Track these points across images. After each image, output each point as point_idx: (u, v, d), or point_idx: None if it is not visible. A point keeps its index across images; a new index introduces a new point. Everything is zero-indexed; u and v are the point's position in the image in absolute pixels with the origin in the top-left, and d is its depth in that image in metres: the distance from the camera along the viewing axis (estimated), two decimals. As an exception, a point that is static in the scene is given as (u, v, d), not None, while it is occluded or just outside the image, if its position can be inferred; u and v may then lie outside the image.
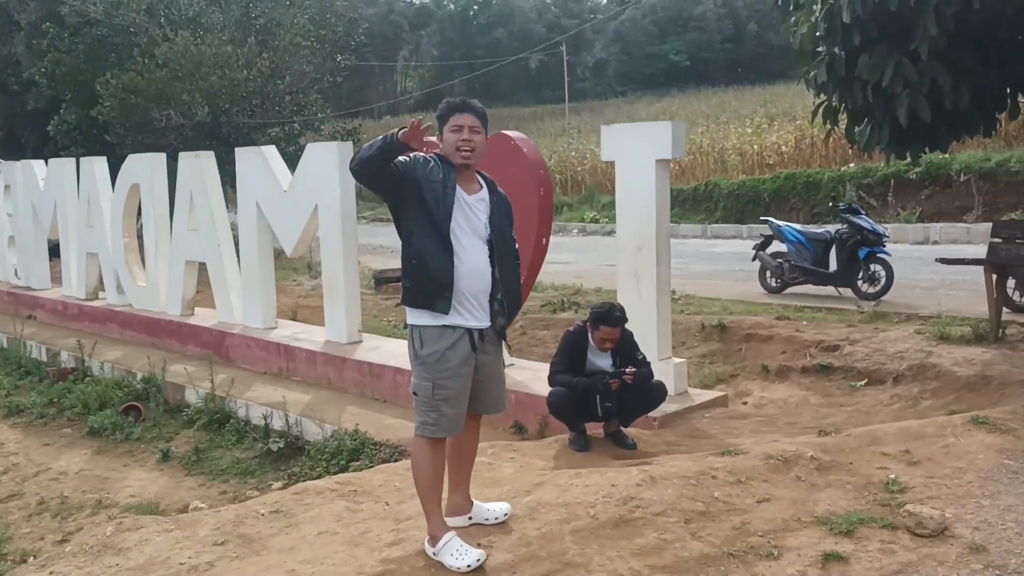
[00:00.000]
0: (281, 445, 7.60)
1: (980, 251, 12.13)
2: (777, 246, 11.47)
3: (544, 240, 7.76)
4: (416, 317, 3.54)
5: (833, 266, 10.75)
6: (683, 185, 23.63)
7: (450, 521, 3.74)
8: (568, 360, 5.39)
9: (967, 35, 6.10)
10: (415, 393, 3.55)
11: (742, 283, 12.28)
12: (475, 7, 74.80)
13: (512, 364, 7.85)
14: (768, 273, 11.33)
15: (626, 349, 5.42)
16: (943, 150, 7.41)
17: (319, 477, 6.70)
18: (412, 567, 3.59)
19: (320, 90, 22.63)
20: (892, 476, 4.23)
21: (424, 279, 3.48)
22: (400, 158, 3.48)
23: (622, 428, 5.58)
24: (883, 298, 10.03)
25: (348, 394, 8.50)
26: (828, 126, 7.84)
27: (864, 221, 10.47)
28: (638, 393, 5.35)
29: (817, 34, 6.84)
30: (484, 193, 3.67)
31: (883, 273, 10.21)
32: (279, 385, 8.91)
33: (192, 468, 7.76)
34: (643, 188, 6.69)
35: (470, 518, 3.85)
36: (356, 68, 28.80)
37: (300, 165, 9.35)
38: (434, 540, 3.56)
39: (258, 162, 9.83)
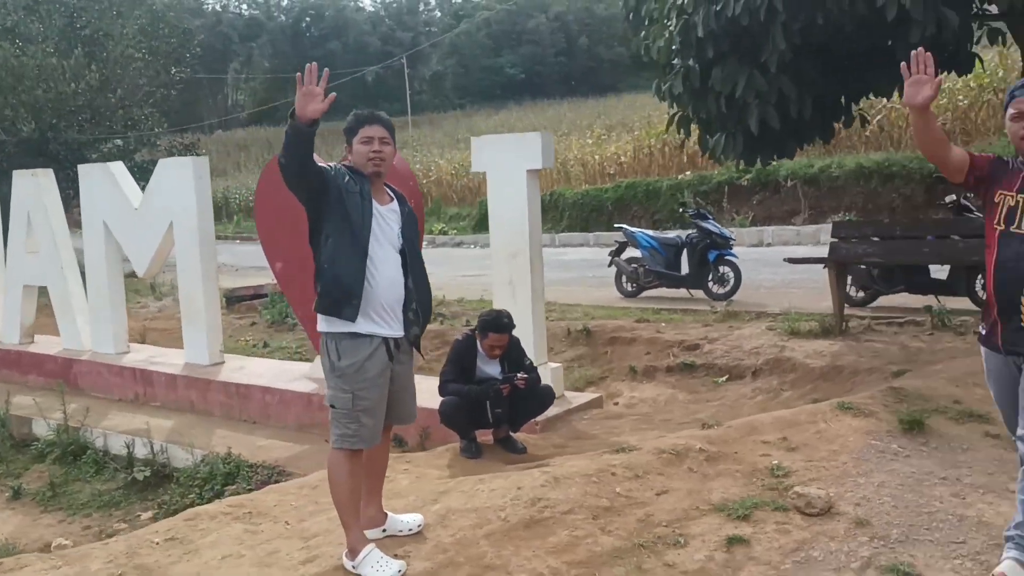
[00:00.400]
0: (147, 474, 7.26)
1: (809, 251, 13.05)
2: (631, 252, 11.89)
3: (416, 251, 7.78)
4: (330, 325, 3.50)
5: (685, 269, 11.25)
6: (529, 195, 24.05)
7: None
8: (458, 369, 5.44)
9: (810, 49, 6.57)
10: (332, 405, 3.50)
11: (597, 289, 12.64)
12: (307, 19, 73.49)
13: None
14: (624, 278, 11.73)
15: (514, 355, 5.53)
16: (790, 156, 7.94)
17: (192, 504, 6.47)
18: (330, 583, 3.54)
19: (155, 103, 21.73)
20: (775, 462, 4.50)
21: (334, 285, 3.45)
22: (323, 166, 3.46)
23: (512, 433, 5.68)
24: (733, 298, 10.58)
25: (214, 417, 8.21)
26: (682, 135, 8.24)
27: (712, 226, 11.02)
28: (528, 398, 5.47)
29: (673, 47, 7.17)
30: (395, 205, 3.69)
31: (732, 275, 10.78)
32: (138, 412, 8.51)
33: (48, 504, 7.29)
34: (515, 197, 6.83)
35: (384, 530, 3.83)
36: (186, 82, 27.84)
37: (153, 181, 8.97)
38: (353, 553, 3.52)
39: (104, 179, 9.37)
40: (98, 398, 9.16)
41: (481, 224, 23.66)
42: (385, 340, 3.53)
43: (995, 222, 3.18)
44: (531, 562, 3.60)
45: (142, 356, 9.45)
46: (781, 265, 12.35)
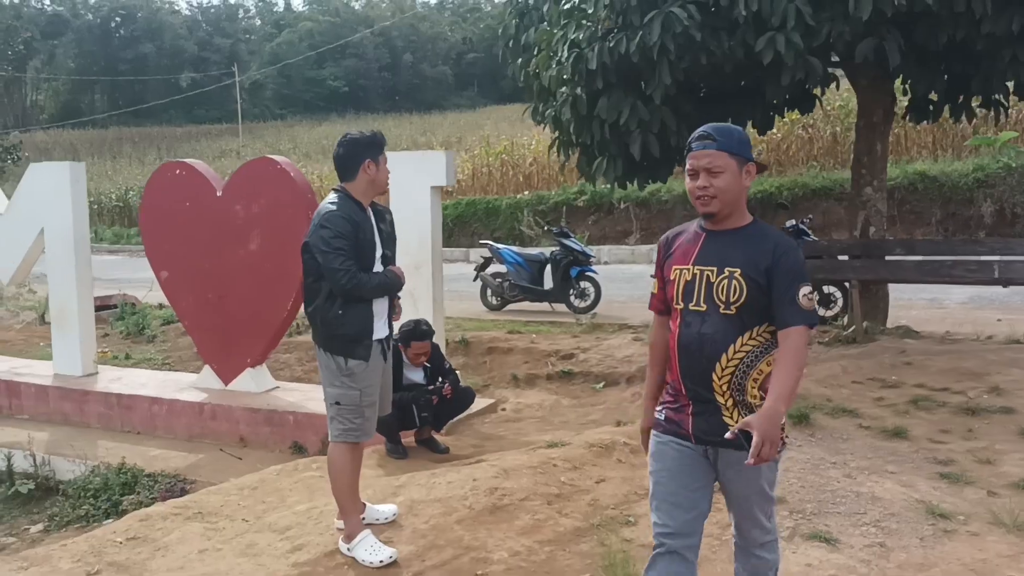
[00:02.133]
0: (31, 486, 7.04)
1: (644, 269, 14.00)
2: (496, 267, 12.39)
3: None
4: None
5: (548, 284, 11.86)
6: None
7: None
8: (387, 378, 5.71)
9: (690, 85, 7.28)
10: (338, 403, 3.76)
11: (458, 302, 13.03)
12: (117, 19, 70.08)
13: (278, 387, 7.93)
14: (489, 292, 12.22)
15: (435, 360, 5.87)
16: (663, 180, 8.64)
17: (87, 516, 6.40)
18: (327, 567, 3.77)
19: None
20: (691, 452, 5.06)
21: (350, 330, 3.80)
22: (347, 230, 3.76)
23: (434, 434, 6.00)
24: (594, 311, 11.28)
25: (93, 429, 8.01)
26: (562, 158, 8.81)
27: (574, 243, 11.72)
28: (451, 399, 5.82)
29: (564, 76, 7.70)
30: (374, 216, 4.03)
31: (592, 289, 11.49)
32: (5, 424, 8.15)
33: (-79, 521, 6.91)
34: (420, 212, 7.15)
35: (363, 519, 4.08)
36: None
37: (22, 186, 8.64)
38: (350, 538, 3.78)
39: (-38, 181, 8.92)
40: (-46, 412, 8.69)
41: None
42: (380, 341, 3.84)
43: (675, 301, 2.81)
44: (505, 542, 3.97)
45: (5, 367, 9.02)
46: (626, 280, 13.29)
